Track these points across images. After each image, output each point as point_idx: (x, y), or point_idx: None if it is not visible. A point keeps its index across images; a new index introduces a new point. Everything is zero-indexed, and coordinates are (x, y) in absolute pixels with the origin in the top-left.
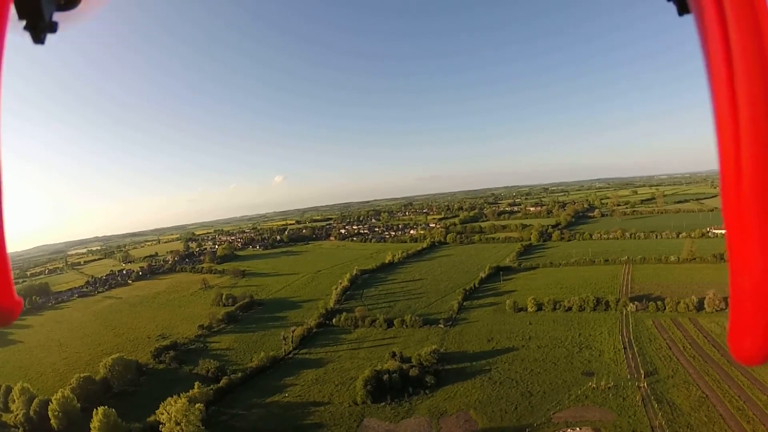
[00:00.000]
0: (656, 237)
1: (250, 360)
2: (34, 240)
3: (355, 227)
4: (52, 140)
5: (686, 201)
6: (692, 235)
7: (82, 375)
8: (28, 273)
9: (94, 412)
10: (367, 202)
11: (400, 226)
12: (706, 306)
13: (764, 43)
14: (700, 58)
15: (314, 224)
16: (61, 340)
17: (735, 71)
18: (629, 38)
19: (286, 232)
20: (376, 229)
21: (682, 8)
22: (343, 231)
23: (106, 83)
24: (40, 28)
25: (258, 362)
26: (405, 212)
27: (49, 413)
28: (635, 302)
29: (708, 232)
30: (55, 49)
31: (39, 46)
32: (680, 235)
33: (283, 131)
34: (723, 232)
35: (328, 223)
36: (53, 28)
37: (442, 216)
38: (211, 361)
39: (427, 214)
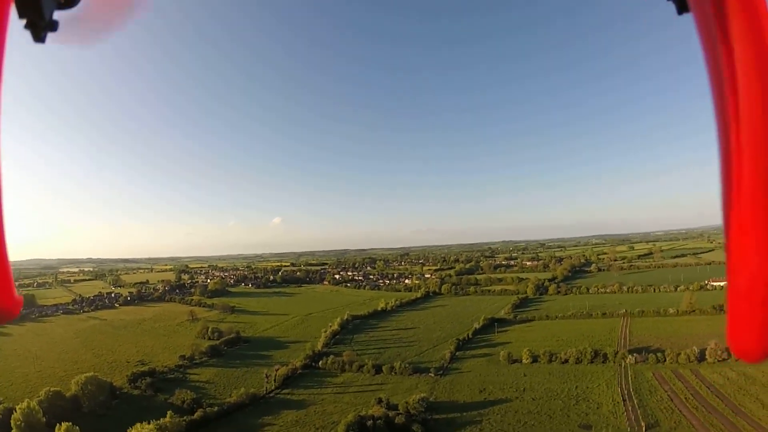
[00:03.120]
0: (654, 290)
1: (229, 395)
2: (28, 252)
3: (350, 273)
4: (48, 152)
5: (683, 255)
6: (691, 288)
7: (51, 389)
8: (17, 284)
9: (57, 427)
10: (364, 250)
11: (395, 275)
12: (707, 357)
13: (765, 40)
14: (699, 68)
15: (309, 268)
16: (37, 353)
17: (736, 69)
18: (623, 98)
19: (280, 273)
20: (371, 277)
21: (682, 7)
22: (337, 276)
23: (108, 99)
24: (40, 27)
25: (237, 398)
26: (401, 262)
27: (12, 422)
28: (634, 354)
29: (707, 284)
30: (58, 56)
31: (40, 45)
32: (678, 288)
33: (285, 175)
34: (723, 283)
35: (323, 267)
36: (53, 26)
37: (438, 267)
38: (188, 392)
39: (423, 264)
